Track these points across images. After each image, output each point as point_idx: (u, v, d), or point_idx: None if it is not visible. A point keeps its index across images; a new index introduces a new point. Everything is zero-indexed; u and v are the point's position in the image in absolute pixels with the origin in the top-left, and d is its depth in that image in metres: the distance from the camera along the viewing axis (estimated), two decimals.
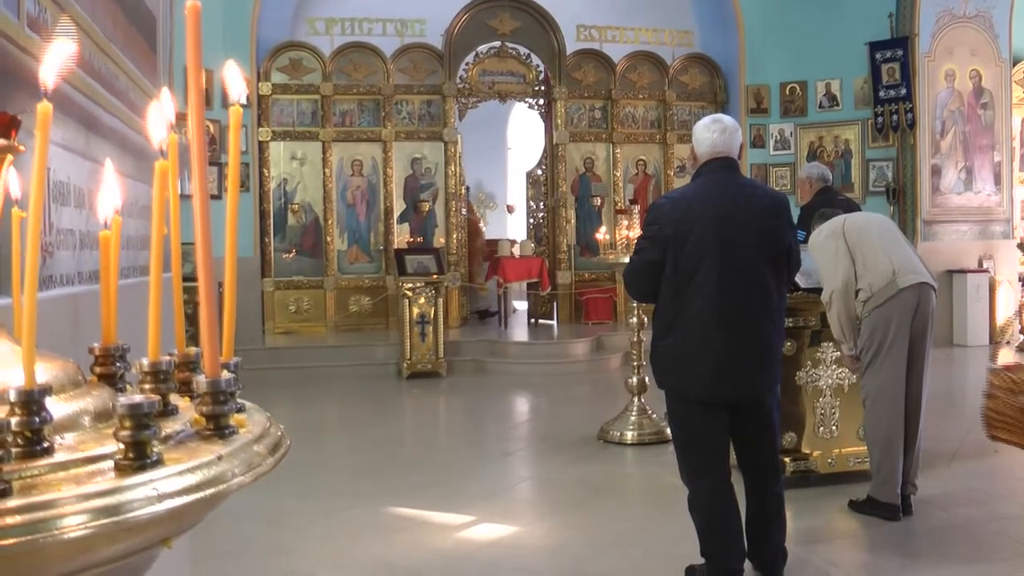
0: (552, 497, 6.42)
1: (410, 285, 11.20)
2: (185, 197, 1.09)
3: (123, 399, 0.82)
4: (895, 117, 13.26)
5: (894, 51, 13.23)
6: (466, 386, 10.89)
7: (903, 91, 13.18)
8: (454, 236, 13.74)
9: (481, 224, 16.47)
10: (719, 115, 4.61)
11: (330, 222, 13.39)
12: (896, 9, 13.22)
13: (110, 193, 1.08)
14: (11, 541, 0.70)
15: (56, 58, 0.88)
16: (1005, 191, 13.79)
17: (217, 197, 11.26)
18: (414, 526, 5.62)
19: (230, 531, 5.17)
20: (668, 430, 7.33)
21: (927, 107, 13.24)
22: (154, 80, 4.12)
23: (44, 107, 0.83)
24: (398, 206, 13.62)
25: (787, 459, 6.04)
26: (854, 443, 6.16)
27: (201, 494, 0.81)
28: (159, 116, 0.97)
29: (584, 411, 9.06)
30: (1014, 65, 13.96)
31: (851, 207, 8.18)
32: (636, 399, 7.73)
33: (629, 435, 7.59)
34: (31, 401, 0.79)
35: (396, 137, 13.59)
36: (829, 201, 7.95)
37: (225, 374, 0.91)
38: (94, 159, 2.84)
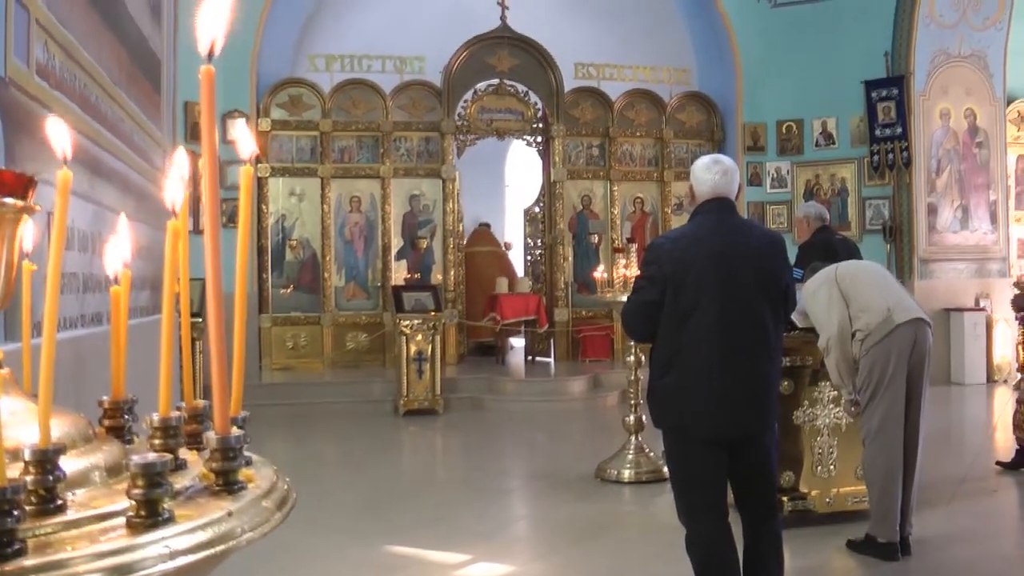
0: (549, 536, 6.40)
1: (407, 322, 11.21)
2: (195, 233, 1.11)
3: (136, 458, 0.83)
4: (891, 155, 13.33)
5: (890, 90, 13.32)
6: (463, 423, 10.87)
7: (899, 130, 13.26)
8: (452, 273, 13.77)
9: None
10: (719, 156, 4.62)
11: (328, 258, 13.42)
12: (892, 48, 13.32)
13: (120, 247, 1.10)
14: None
15: (65, 130, 0.90)
16: (1001, 230, 13.84)
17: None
18: (411, 564, 5.60)
19: (224, 568, 5.14)
20: (665, 468, 7.35)
21: (922, 146, 13.32)
22: (158, 121, 4.16)
23: (64, 175, 0.85)
24: (396, 243, 13.65)
25: (785, 498, 6.03)
26: (852, 482, 6.15)
27: (212, 551, 0.83)
28: (175, 178, 0.99)
29: (581, 449, 9.04)
30: (1008, 104, 14.07)
31: (848, 246, 8.22)
32: (633, 437, 7.72)
33: (626, 473, 7.58)
34: (45, 460, 0.81)
35: (395, 174, 13.64)
36: (827, 240, 8.01)
37: (234, 430, 0.93)
38: (98, 202, 2.87)
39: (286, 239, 13.38)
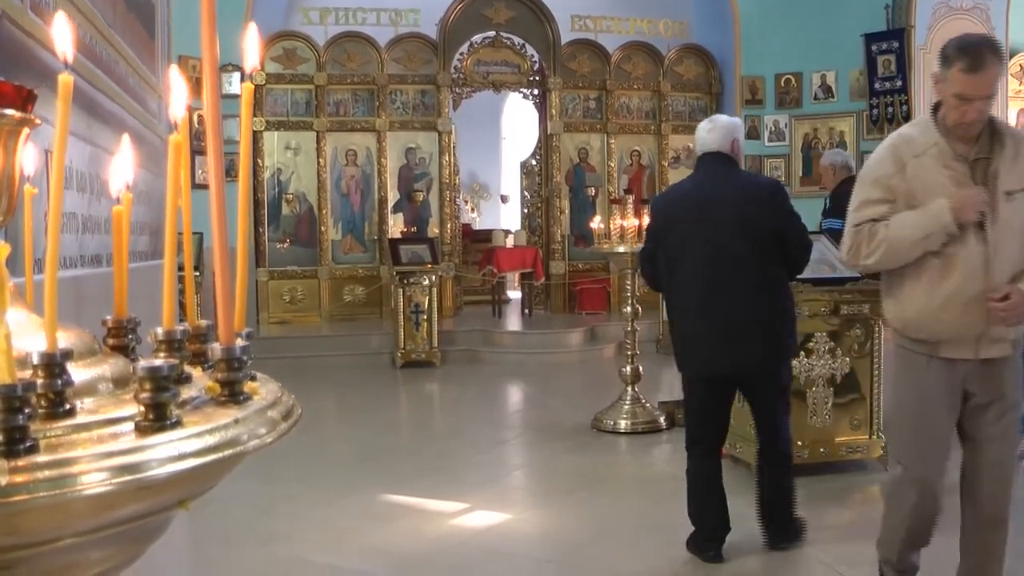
0: (546, 485, 6.45)
1: (404, 274, 11.22)
2: (195, 188, 1.12)
3: (143, 363, 0.84)
4: (890, 109, 13.27)
5: (890, 43, 13.23)
6: (460, 375, 10.92)
7: (898, 83, 13.18)
8: (448, 226, 13.76)
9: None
10: (716, 115, 4.96)
11: (324, 212, 13.39)
12: (892, 1, 13.22)
13: (122, 167, 1.10)
14: (41, 495, 0.72)
15: (67, 30, 0.90)
16: None
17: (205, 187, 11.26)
18: (410, 513, 5.65)
19: (226, 518, 5.19)
20: (661, 419, 7.52)
21: (923, 99, 13.22)
22: (152, 66, 4.13)
23: (65, 79, 0.85)
24: (392, 196, 13.62)
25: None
26: (846, 432, 6.19)
27: (219, 455, 0.84)
28: (179, 90, 0.99)
29: (578, 400, 9.09)
30: (1010, 58, 13.97)
31: None
32: (630, 388, 7.75)
33: (623, 424, 7.62)
34: (53, 364, 0.82)
35: (390, 127, 13.58)
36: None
37: (239, 342, 0.94)
38: (95, 144, 2.85)
39: (282, 193, 13.34)
